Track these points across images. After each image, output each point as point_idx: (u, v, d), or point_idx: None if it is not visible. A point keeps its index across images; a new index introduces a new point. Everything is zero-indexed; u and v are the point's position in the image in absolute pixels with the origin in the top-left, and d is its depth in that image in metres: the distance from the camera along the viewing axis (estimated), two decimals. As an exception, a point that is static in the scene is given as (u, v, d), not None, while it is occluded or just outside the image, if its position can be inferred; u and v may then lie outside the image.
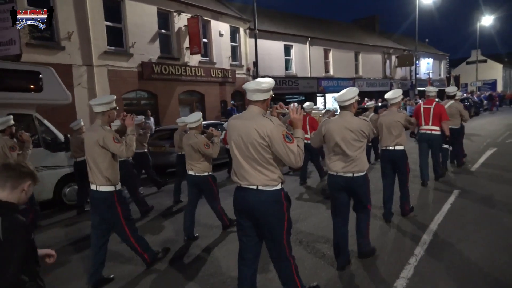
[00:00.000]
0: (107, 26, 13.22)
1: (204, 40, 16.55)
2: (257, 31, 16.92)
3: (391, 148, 5.21)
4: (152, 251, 4.21)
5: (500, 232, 4.67)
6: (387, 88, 29.05)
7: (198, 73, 16.52)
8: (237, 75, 18.74)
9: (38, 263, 2.02)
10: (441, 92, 9.34)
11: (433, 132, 6.92)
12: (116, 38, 13.64)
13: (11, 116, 5.50)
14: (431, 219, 5.18)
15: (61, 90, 7.32)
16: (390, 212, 5.24)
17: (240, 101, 19.50)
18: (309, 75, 23.67)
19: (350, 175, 3.67)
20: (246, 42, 19.49)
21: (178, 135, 7.24)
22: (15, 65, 7.06)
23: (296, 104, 3.04)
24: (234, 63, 18.75)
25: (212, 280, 3.86)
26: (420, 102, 10.63)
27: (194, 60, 16.36)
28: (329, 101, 25.28)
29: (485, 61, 49.97)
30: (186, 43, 15.96)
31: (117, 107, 3.99)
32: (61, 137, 7.37)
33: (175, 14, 15.54)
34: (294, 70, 22.92)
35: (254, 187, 2.69)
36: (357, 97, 3.73)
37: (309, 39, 23.60)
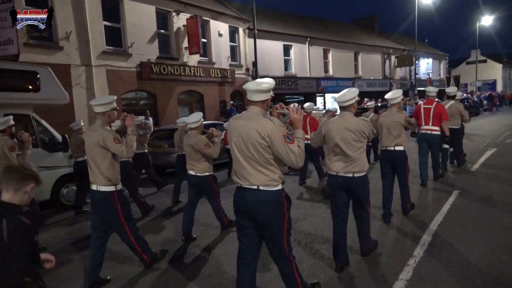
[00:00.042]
0: (105, 26, 13.19)
1: (203, 40, 16.52)
2: (256, 31, 16.88)
3: (391, 148, 5.20)
4: (152, 252, 4.19)
5: (500, 232, 4.65)
6: (387, 88, 29.03)
7: (197, 73, 16.49)
8: (236, 75, 18.72)
9: (40, 265, 2.04)
10: (441, 92, 9.31)
11: (433, 132, 6.90)
12: (115, 38, 13.61)
13: (11, 116, 5.47)
14: (431, 220, 5.15)
15: (58, 90, 7.28)
16: (390, 213, 5.22)
17: (240, 101, 19.48)
18: (308, 75, 23.64)
19: (350, 175, 3.67)
20: (245, 42, 19.46)
21: (178, 135, 7.24)
22: (12, 65, 7.02)
23: (296, 105, 3.02)
24: (233, 63, 18.72)
25: (211, 281, 3.83)
26: (420, 102, 10.60)
27: (193, 60, 16.33)
28: (329, 101, 25.27)
29: (484, 61, 49.97)
30: (185, 43, 15.92)
31: (117, 107, 4.00)
32: (59, 137, 7.32)
33: (174, 14, 15.50)
34: (293, 70, 22.89)
35: (255, 187, 2.68)
36: (357, 98, 3.73)
37: (308, 39, 23.57)
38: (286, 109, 3.05)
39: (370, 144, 9.23)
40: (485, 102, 29.09)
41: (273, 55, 21.11)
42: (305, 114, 7.31)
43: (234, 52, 19.02)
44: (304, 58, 23.58)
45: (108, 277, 3.97)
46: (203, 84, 16.96)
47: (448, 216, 5.28)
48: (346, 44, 26.79)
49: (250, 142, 2.65)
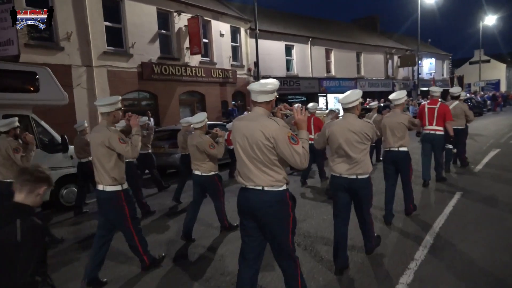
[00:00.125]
0: (106, 27, 13.17)
1: (205, 40, 16.50)
2: (258, 31, 16.83)
3: (394, 149, 5.19)
4: (151, 255, 4.17)
5: (502, 232, 4.60)
6: (389, 88, 28.93)
7: (199, 73, 16.46)
8: (238, 76, 18.67)
9: (46, 263, 2.09)
10: (444, 93, 9.23)
11: (437, 132, 6.87)
12: (116, 38, 13.59)
13: (16, 118, 5.47)
14: (433, 221, 5.08)
15: (57, 90, 7.24)
16: (391, 214, 5.17)
17: (241, 101, 19.43)
18: (310, 75, 23.56)
19: (354, 177, 3.66)
20: (247, 42, 19.40)
21: (182, 135, 7.26)
22: (11, 66, 6.99)
23: (299, 105, 3.01)
24: (235, 63, 18.68)
25: (213, 281, 3.81)
26: (424, 102, 10.53)
27: (194, 60, 16.29)
28: (331, 101, 25.18)
29: (488, 61, 49.68)
30: (187, 44, 15.89)
31: (122, 108, 4.00)
32: (58, 138, 7.29)
33: (175, 14, 15.48)
34: (295, 70, 22.83)
35: (260, 188, 2.68)
36: (360, 99, 3.73)
37: (310, 39, 23.49)
38: (290, 110, 3.05)
39: (373, 145, 9.16)
40: (488, 102, 28.89)
41: (274, 55, 21.05)
42: (309, 114, 7.28)
43: (235, 52, 18.97)
44: (306, 58, 23.50)
45: (105, 280, 3.94)
46: (204, 84, 16.92)
47: (450, 218, 5.21)
48: (348, 44, 26.69)
49: (255, 143, 2.65)
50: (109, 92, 12.85)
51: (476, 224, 4.94)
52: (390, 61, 31.01)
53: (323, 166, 8.21)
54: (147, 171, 8.43)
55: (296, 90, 22.22)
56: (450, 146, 8.02)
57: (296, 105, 3.11)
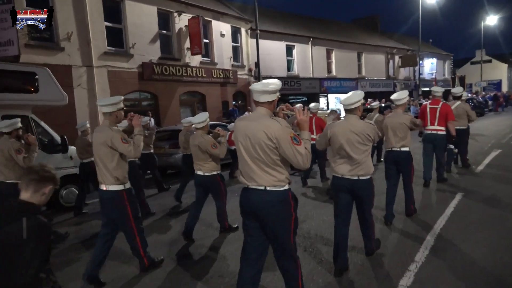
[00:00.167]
0: (107, 27, 13.15)
1: (205, 40, 16.47)
2: (258, 31, 16.80)
3: (396, 149, 5.19)
4: (151, 257, 4.15)
5: (503, 232, 4.58)
6: (391, 88, 28.86)
7: (199, 73, 16.44)
8: (238, 76, 18.65)
9: (49, 261, 2.10)
10: (445, 93, 9.20)
11: (439, 132, 6.85)
12: (116, 38, 13.57)
13: (19, 119, 5.47)
14: (434, 222, 5.05)
15: (57, 91, 7.22)
16: (392, 214, 5.15)
17: (242, 102, 19.41)
18: (311, 76, 23.52)
19: (356, 178, 3.66)
20: (247, 43, 19.38)
21: (183, 135, 7.27)
22: (10, 66, 6.97)
23: (301, 105, 3.03)
24: (235, 63, 18.65)
25: (215, 281, 3.80)
26: (425, 102, 10.49)
27: (195, 60, 16.27)
28: (332, 101, 25.15)
29: (489, 61, 49.59)
30: (187, 44, 15.87)
31: (124, 108, 4.01)
32: (58, 138, 7.27)
33: (175, 14, 15.46)
34: (296, 70, 22.79)
35: (262, 187, 2.69)
36: (362, 101, 3.73)
37: (311, 39, 23.45)
38: (292, 110, 3.05)
39: (374, 145, 9.13)
40: (490, 102, 28.81)
41: (275, 55, 21.02)
42: (311, 115, 7.27)
43: (236, 52, 18.95)
44: (307, 58, 23.47)
45: (104, 282, 3.92)
46: (205, 84, 16.90)
47: (451, 218, 5.18)
48: (349, 44, 26.64)
49: (257, 143, 2.66)
50: (110, 93, 12.83)
51: (478, 224, 4.91)
52: (391, 61, 30.95)
53: (324, 166, 8.20)
54: (149, 171, 8.42)
55: (297, 91, 22.19)
56: (451, 146, 7.99)
57: (297, 105, 3.12)
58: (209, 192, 5.18)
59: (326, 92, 24.50)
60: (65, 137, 7.23)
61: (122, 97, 4.01)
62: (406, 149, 5.17)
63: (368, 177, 3.70)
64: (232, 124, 8.79)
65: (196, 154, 5.00)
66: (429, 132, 6.93)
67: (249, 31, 19.31)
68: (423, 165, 7.09)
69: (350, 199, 3.78)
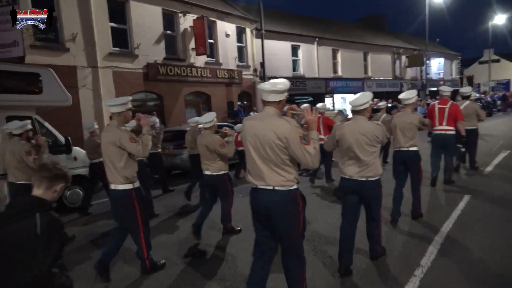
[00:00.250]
0: (111, 27, 13.15)
1: (210, 40, 16.43)
2: (263, 32, 16.75)
3: (404, 149, 5.14)
4: (153, 259, 4.13)
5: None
6: (397, 88, 28.62)
7: (204, 74, 16.40)
8: (243, 76, 18.59)
9: (62, 256, 2.15)
10: (453, 93, 9.07)
11: (447, 132, 6.76)
12: (121, 39, 13.57)
13: (29, 121, 5.53)
14: (441, 225, 4.94)
15: (61, 91, 7.21)
16: (398, 213, 5.11)
17: (247, 102, 19.35)
18: (317, 76, 23.39)
19: (364, 179, 3.64)
20: (252, 43, 19.31)
21: (190, 135, 7.28)
22: (14, 67, 6.97)
23: (309, 105, 3.04)
24: (240, 63, 18.59)
25: (220, 283, 3.76)
26: (432, 102, 10.35)
27: (200, 61, 16.24)
28: (338, 102, 25.00)
29: (498, 60, 48.93)
30: (192, 44, 15.84)
31: (132, 108, 4.06)
32: (62, 139, 7.27)
33: (180, 15, 15.44)
34: (301, 70, 22.68)
35: (271, 187, 2.70)
36: (371, 102, 3.71)
37: (316, 39, 23.32)
38: (299, 111, 3.05)
39: (382, 146, 9.06)
40: (498, 102, 28.46)
41: (280, 55, 20.92)
42: (319, 115, 7.24)
43: (241, 52, 18.89)
44: (313, 58, 23.34)
45: (110, 281, 3.92)
46: (210, 85, 16.86)
47: (458, 221, 5.07)
48: (355, 44, 26.45)
49: (267, 143, 2.67)
50: (115, 93, 12.84)
51: (485, 228, 4.79)
52: (397, 61, 30.69)
53: (330, 167, 8.17)
54: (156, 175, 8.40)
55: (302, 91, 22.06)
56: (459, 145, 7.88)
57: (305, 105, 3.11)
58: (217, 192, 5.16)
59: (332, 92, 24.35)
60: (69, 138, 7.23)
61: (131, 98, 4.08)
62: (415, 148, 5.13)
63: (376, 178, 3.67)
64: (239, 125, 8.78)
65: (204, 153, 5.01)
66: (438, 132, 6.83)
67: (254, 31, 19.25)
68: (431, 164, 7.02)
69: (358, 201, 3.76)
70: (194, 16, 15.72)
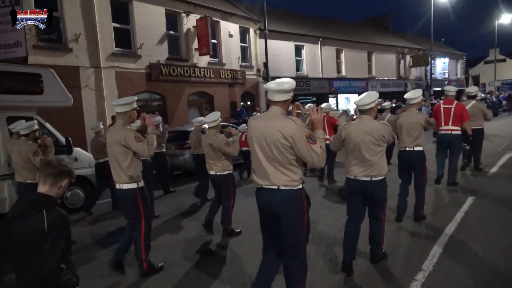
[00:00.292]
0: (114, 28, 13.14)
1: (213, 41, 16.40)
2: (267, 32, 16.69)
3: (410, 149, 5.11)
4: (151, 262, 4.10)
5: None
6: (402, 88, 28.45)
7: (207, 74, 16.37)
8: (247, 76, 18.54)
9: (71, 252, 2.20)
10: (458, 93, 8.98)
11: (453, 132, 6.70)
12: (124, 39, 13.56)
13: (36, 121, 5.59)
14: (444, 227, 4.86)
15: (62, 92, 7.20)
16: (405, 206, 5.16)
17: (250, 102, 19.30)
18: (320, 76, 23.29)
19: (368, 179, 3.62)
20: (256, 43, 19.25)
21: (195, 135, 7.29)
22: (15, 67, 6.97)
23: (314, 105, 3.01)
24: (244, 64, 18.55)
25: (217, 286, 3.73)
26: (437, 102, 10.26)
27: (203, 61, 16.21)
28: (342, 102, 24.87)
29: (504, 60, 48.56)
30: (195, 44, 15.81)
31: (137, 108, 4.10)
32: (63, 140, 7.26)
33: (183, 15, 15.42)
34: (305, 70, 22.58)
35: (275, 187, 2.71)
36: (377, 101, 3.70)
37: (320, 39, 23.21)
38: (304, 110, 3.03)
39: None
40: (504, 102, 28.19)
41: (284, 55, 20.85)
42: (324, 114, 7.23)
43: (244, 52, 18.84)
44: (316, 58, 23.24)
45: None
46: (213, 85, 16.83)
47: (462, 224, 4.99)
48: (359, 44, 26.31)
49: (273, 143, 2.67)
50: (117, 94, 12.85)
51: (489, 231, 4.71)
52: (402, 61, 30.51)
53: (333, 168, 8.16)
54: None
55: (306, 91, 21.97)
56: (464, 144, 7.81)
57: (309, 105, 3.08)
58: (221, 191, 5.19)
59: (336, 92, 24.24)
60: (70, 138, 7.22)
61: (136, 98, 4.12)
62: (420, 148, 5.10)
63: (381, 177, 3.65)
64: (243, 125, 8.77)
65: (209, 153, 5.06)
66: (444, 132, 6.78)
67: (257, 31, 19.19)
68: (436, 162, 7.00)
69: (362, 200, 3.75)
70: (197, 16, 15.69)
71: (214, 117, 5.06)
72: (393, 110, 10.56)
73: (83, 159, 7.48)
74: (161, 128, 7.95)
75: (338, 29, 27.38)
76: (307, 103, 20.71)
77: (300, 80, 21.66)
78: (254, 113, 15.64)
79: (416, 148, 5.08)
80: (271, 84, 2.76)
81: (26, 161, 5.09)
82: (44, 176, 2.14)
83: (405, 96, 5.55)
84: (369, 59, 27.58)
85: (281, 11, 25.39)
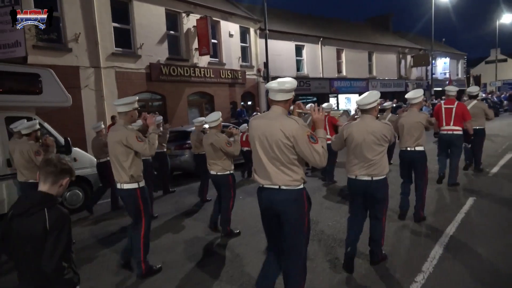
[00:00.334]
0: (114, 28, 13.13)
1: (214, 41, 16.38)
2: (267, 31, 16.66)
3: (411, 148, 5.10)
4: (149, 263, 4.07)
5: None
6: (402, 88, 28.42)
7: (207, 74, 16.35)
8: (247, 76, 18.52)
9: (72, 250, 2.20)
10: (459, 93, 8.96)
11: (455, 132, 6.68)
12: (124, 39, 13.54)
13: (37, 121, 5.58)
14: (444, 228, 4.82)
15: (61, 92, 7.17)
16: (407, 204, 5.18)
17: (251, 102, 19.27)
18: (321, 76, 23.26)
19: (369, 178, 3.62)
20: (256, 43, 19.23)
21: (195, 135, 7.29)
22: (14, 67, 6.95)
23: (315, 105, 3.01)
24: (244, 64, 18.52)
25: (216, 286, 3.70)
26: (437, 102, 10.23)
27: (203, 61, 16.19)
28: (342, 102, 24.82)
29: (505, 60, 48.49)
30: (195, 44, 15.79)
31: (139, 107, 4.10)
32: (62, 140, 7.24)
33: (183, 15, 15.41)
34: (305, 70, 22.55)
35: (276, 187, 2.70)
36: (378, 101, 3.69)
37: (321, 39, 23.18)
38: (305, 109, 3.06)
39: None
40: (505, 102, 28.11)
41: (284, 55, 20.82)
42: (326, 114, 7.27)
43: (245, 52, 18.81)
44: (317, 58, 23.21)
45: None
46: (213, 85, 16.81)
47: (462, 225, 4.95)
48: (360, 44, 26.27)
49: (274, 142, 2.66)
50: (117, 94, 12.83)
51: (490, 232, 4.67)
52: (403, 61, 30.47)
53: (333, 169, 8.14)
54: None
55: (306, 91, 21.94)
56: (465, 143, 7.80)
57: (310, 105, 3.07)
58: (221, 191, 5.19)
59: (336, 92, 24.21)
60: (69, 139, 7.19)
61: (137, 97, 4.13)
62: (421, 148, 5.09)
63: (382, 177, 3.64)
64: (243, 125, 8.78)
65: (210, 153, 5.05)
66: (445, 132, 6.76)
67: (258, 31, 19.16)
68: (438, 162, 6.99)
69: (364, 200, 3.75)
70: (198, 16, 15.67)
71: (215, 117, 5.07)
72: (394, 110, 10.55)
73: (82, 159, 7.46)
74: (161, 128, 7.95)
75: (338, 29, 27.35)
76: (307, 103, 20.68)
77: (301, 80, 21.62)
78: (255, 113, 15.62)
79: (418, 148, 5.06)
80: (272, 84, 2.75)
81: (28, 160, 5.10)
82: (44, 175, 2.14)
83: (406, 96, 5.53)
84: (370, 59, 27.55)
85: (282, 11, 25.36)
